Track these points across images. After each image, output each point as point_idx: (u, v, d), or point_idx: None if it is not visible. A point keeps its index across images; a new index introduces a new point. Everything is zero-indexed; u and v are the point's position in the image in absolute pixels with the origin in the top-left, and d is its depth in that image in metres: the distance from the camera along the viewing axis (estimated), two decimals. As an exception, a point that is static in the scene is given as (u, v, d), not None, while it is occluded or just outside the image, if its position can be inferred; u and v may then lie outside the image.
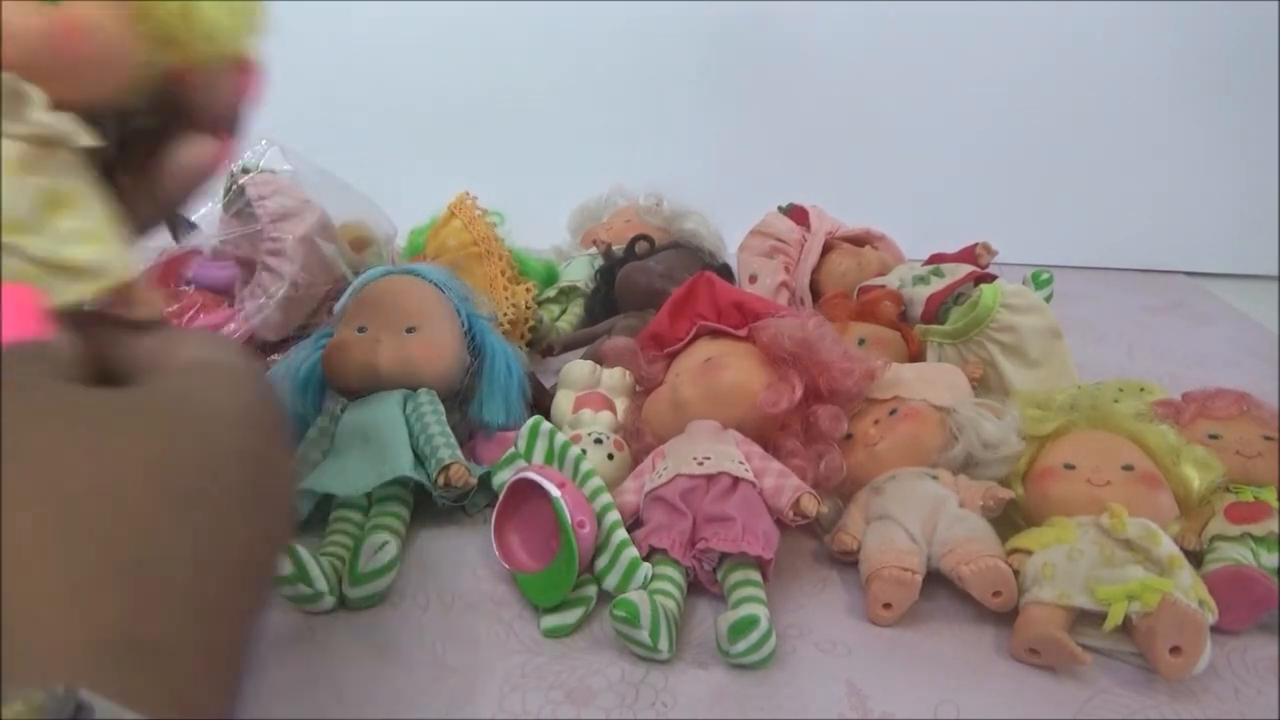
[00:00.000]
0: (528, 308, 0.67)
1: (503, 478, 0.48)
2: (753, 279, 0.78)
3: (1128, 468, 0.44)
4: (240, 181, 0.64)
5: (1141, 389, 0.58)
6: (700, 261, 0.76)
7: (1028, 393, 0.52)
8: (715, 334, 0.54)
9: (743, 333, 0.52)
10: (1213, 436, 0.49)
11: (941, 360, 0.60)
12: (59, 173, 0.27)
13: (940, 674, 0.40)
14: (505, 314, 0.64)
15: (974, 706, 0.38)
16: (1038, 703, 0.38)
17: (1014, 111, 1.03)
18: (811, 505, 0.45)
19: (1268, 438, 0.48)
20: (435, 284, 0.55)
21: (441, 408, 0.51)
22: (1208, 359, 0.76)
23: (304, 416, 0.53)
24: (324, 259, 0.64)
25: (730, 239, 0.84)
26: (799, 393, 0.49)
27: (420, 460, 0.49)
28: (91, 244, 0.27)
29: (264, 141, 0.67)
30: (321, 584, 0.43)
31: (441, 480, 0.47)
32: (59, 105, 0.27)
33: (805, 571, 0.47)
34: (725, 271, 0.78)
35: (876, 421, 0.50)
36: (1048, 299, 0.75)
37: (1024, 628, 0.40)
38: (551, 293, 0.79)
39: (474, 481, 0.48)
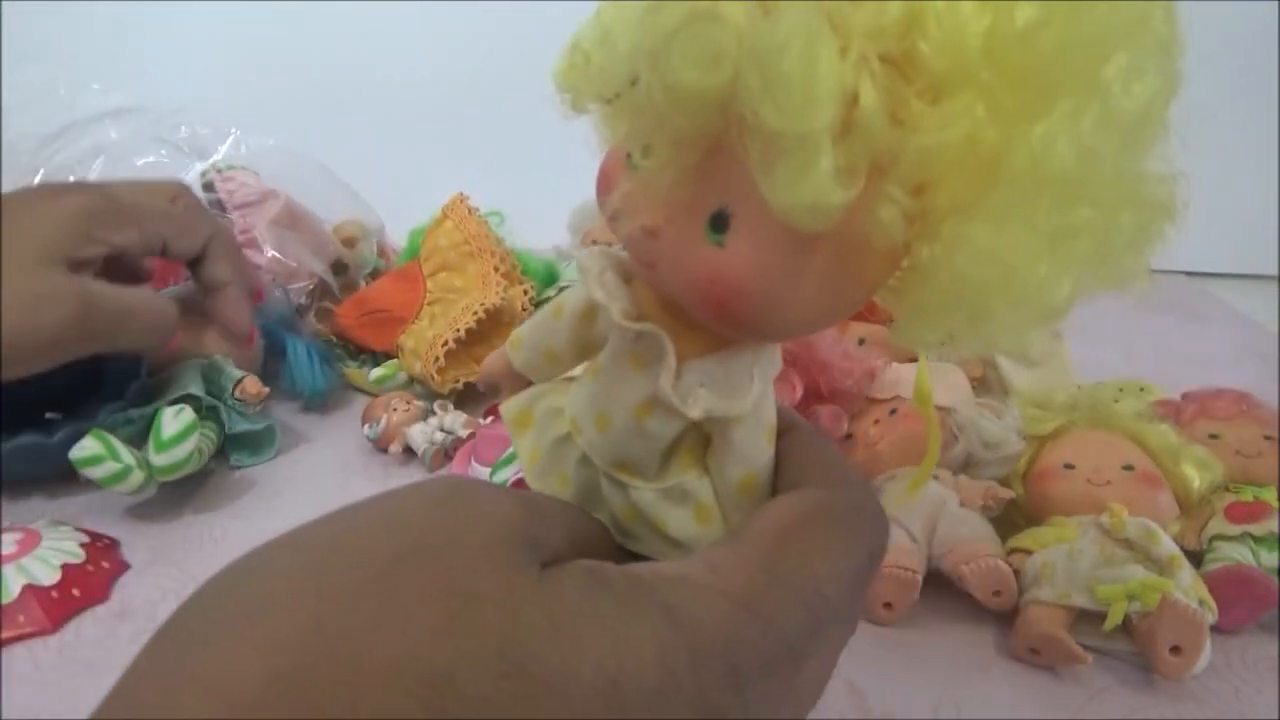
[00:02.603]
0: (524, 309, 0.67)
1: (503, 477, 0.48)
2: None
3: (1128, 468, 0.44)
4: (209, 178, 0.65)
5: (1141, 389, 0.58)
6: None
7: (1028, 393, 0.52)
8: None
9: (743, 332, 0.52)
10: (1213, 436, 0.49)
11: (941, 360, 0.60)
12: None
13: (940, 674, 0.40)
14: (482, 304, 0.64)
15: (974, 706, 0.38)
16: (1038, 703, 0.38)
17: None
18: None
19: (1268, 438, 0.48)
20: None
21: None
22: (1208, 359, 0.76)
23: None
24: (300, 245, 0.66)
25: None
26: (799, 392, 0.49)
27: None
28: (699, 519, 0.24)
29: (234, 130, 0.68)
30: (128, 457, 0.48)
31: (238, 393, 0.55)
32: None
33: (805, 571, 0.47)
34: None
35: (876, 421, 0.50)
36: (1048, 299, 0.75)
37: (1024, 627, 0.40)
38: (552, 292, 0.79)
39: (266, 390, 0.56)
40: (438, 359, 0.61)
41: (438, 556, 0.17)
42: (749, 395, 0.21)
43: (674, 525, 0.23)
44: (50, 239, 0.47)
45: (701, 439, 0.23)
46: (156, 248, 0.54)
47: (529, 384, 0.27)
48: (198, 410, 0.53)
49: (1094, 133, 0.16)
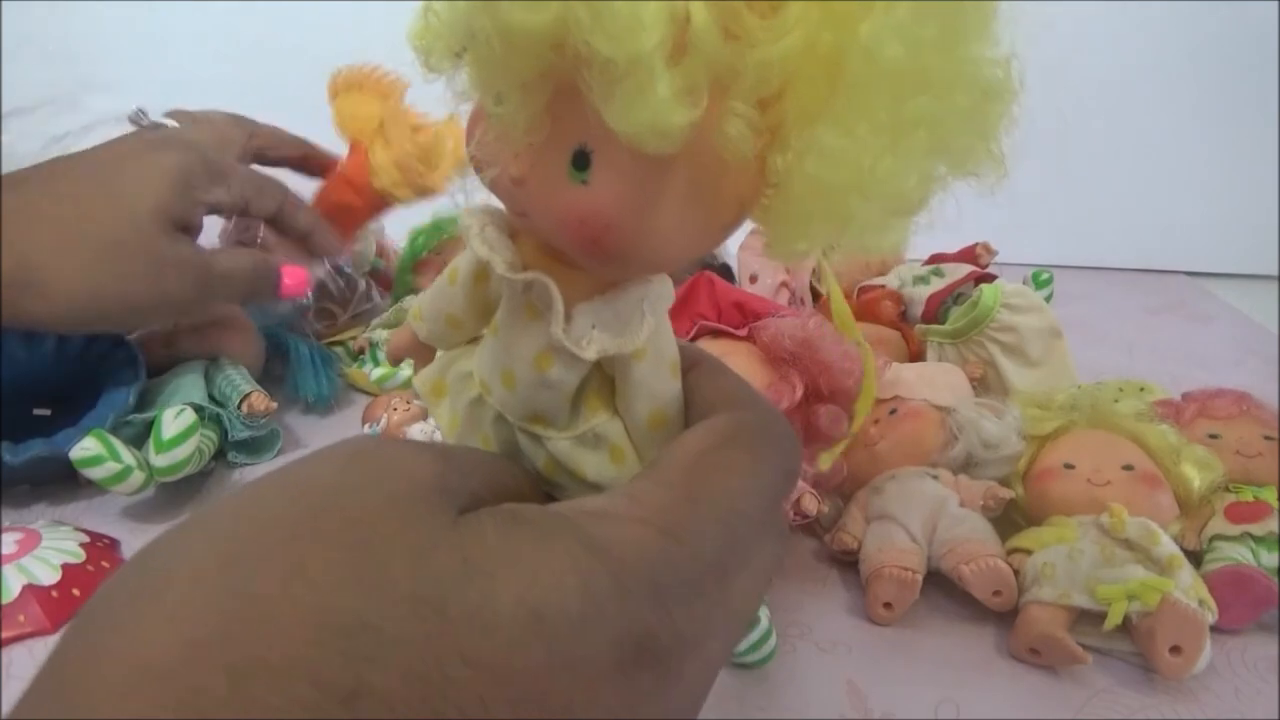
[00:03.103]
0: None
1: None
2: (753, 279, 0.78)
3: (1128, 467, 0.44)
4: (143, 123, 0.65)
5: (1141, 389, 0.58)
6: (700, 261, 0.76)
7: (1028, 393, 0.52)
8: (715, 334, 0.54)
9: (743, 333, 0.52)
10: (1213, 436, 0.49)
11: (941, 360, 0.60)
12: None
13: (940, 674, 0.40)
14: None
15: (974, 706, 0.38)
16: (1038, 703, 0.38)
17: (1014, 111, 1.03)
18: (812, 505, 0.45)
19: (1268, 438, 0.48)
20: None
21: (244, 370, 0.59)
22: (1208, 359, 0.76)
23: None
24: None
25: (730, 239, 0.84)
26: (799, 393, 0.48)
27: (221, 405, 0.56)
28: (614, 460, 0.25)
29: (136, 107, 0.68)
30: (128, 458, 0.48)
31: (245, 409, 0.54)
32: None
33: (805, 571, 0.47)
34: (725, 271, 0.78)
35: (877, 421, 0.50)
36: (1048, 299, 0.75)
37: (1024, 627, 0.40)
38: None
39: (274, 406, 0.55)
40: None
41: (343, 511, 0.17)
42: (641, 331, 0.22)
43: (592, 470, 0.24)
44: (162, 201, 0.48)
45: (607, 382, 0.24)
46: (241, 207, 0.55)
47: (435, 355, 0.28)
48: (200, 416, 0.53)
49: (916, 23, 0.17)
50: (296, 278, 0.56)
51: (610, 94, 0.16)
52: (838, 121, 0.17)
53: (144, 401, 0.55)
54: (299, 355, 0.64)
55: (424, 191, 0.67)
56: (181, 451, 0.50)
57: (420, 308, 0.27)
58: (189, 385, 0.56)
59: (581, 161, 0.19)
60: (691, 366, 0.24)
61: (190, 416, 0.51)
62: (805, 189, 0.18)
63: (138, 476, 0.49)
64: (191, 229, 0.51)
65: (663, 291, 0.23)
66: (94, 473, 0.47)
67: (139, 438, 0.52)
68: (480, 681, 0.16)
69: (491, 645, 0.16)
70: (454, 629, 0.16)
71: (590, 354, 0.22)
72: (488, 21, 0.17)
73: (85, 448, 0.47)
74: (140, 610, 0.16)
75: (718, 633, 0.20)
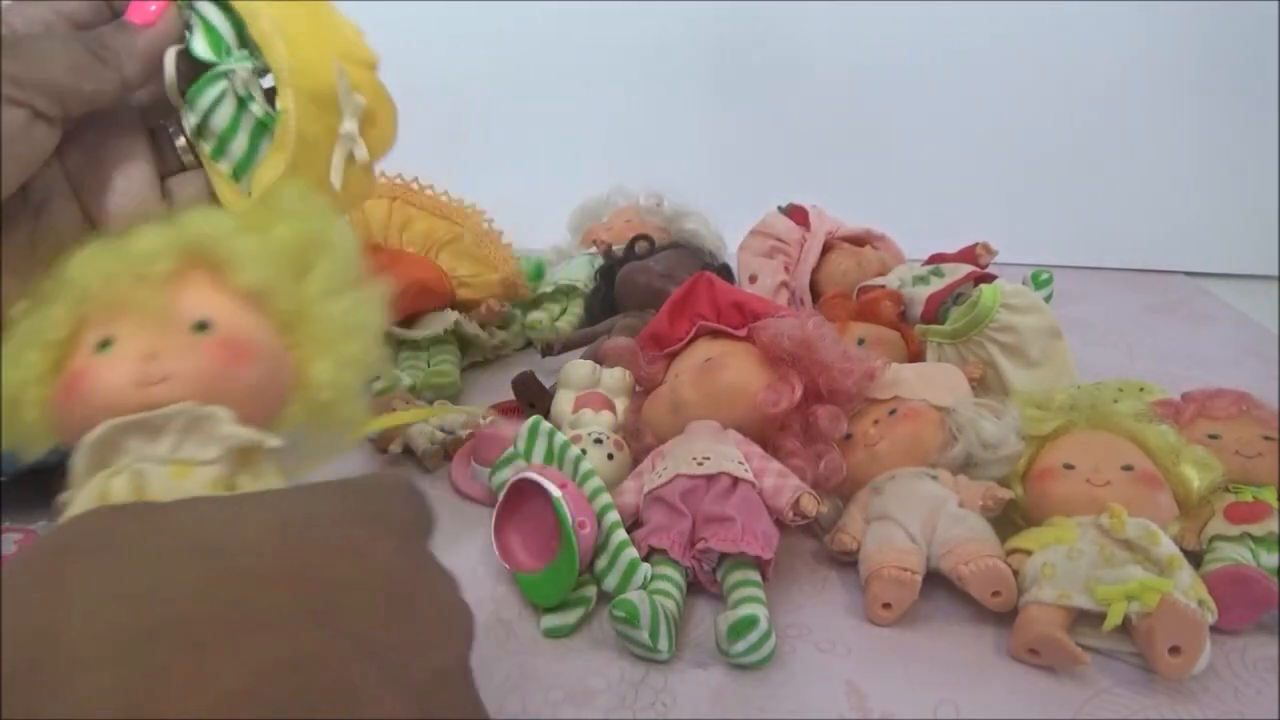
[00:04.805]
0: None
1: (503, 477, 0.48)
2: (753, 279, 0.78)
3: (1127, 468, 0.44)
4: None
5: (1141, 389, 0.58)
6: (700, 261, 0.76)
7: (1027, 393, 0.52)
8: (715, 334, 0.54)
9: (742, 333, 0.52)
10: (1212, 436, 0.49)
11: (941, 360, 0.60)
12: (259, 476, 0.29)
13: (940, 674, 0.40)
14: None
15: (974, 706, 0.38)
16: (1038, 703, 0.38)
17: (1014, 111, 1.03)
18: (811, 505, 0.45)
19: (1267, 438, 0.48)
20: None
21: None
22: (1208, 359, 0.76)
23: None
24: None
25: (730, 239, 0.84)
26: (798, 393, 0.49)
27: None
28: None
29: None
30: None
31: None
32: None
33: (805, 571, 0.47)
34: (725, 271, 0.78)
35: (876, 421, 0.50)
36: (1048, 299, 0.75)
37: (1024, 628, 0.40)
38: (548, 289, 0.79)
39: None
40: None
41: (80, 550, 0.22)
42: (274, 438, 0.29)
43: None
44: None
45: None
46: None
47: None
48: None
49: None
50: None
51: None
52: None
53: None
54: None
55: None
56: None
57: None
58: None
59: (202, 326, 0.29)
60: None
61: None
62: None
63: None
64: None
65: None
66: None
67: None
68: (243, 584, 0.20)
69: (248, 560, 0.21)
70: (212, 560, 0.21)
71: (270, 441, 0.29)
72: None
73: None
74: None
75: (415, 517, 0.27)
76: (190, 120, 0.31)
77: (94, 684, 0.18)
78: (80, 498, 0.27)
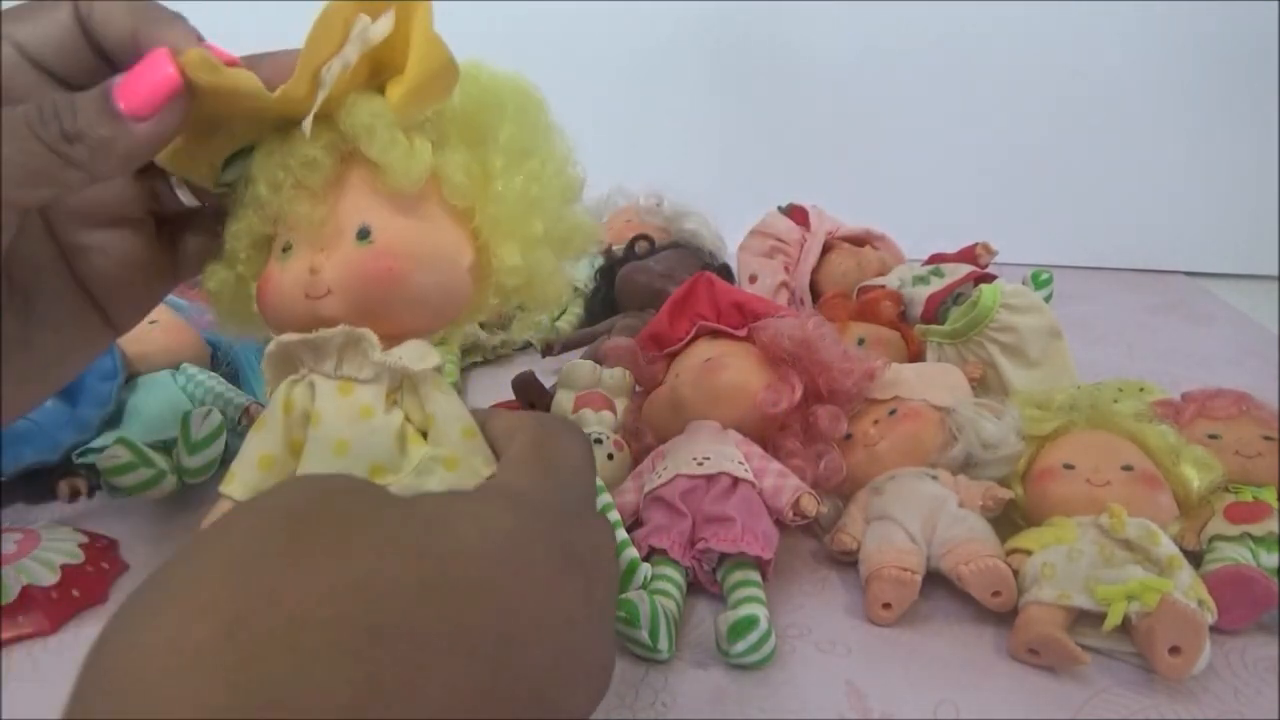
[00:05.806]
0: None
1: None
2: (753, 279, 0.78)
3: (1127, 468, 0.44)
4: None
5: (1141, 389, 0.58)
6: (700, 261, 0.76)
7: (1027, 393, 0.52)
8: (715, 334, 0.54)
9: (742, 333, 0.52)
10: (1212, 436, 0.49)
11: (941, 360, 0.60)
12: (408, 406, 0.30)
13: (940, 674, 0.40)
14: None
15: (974, 706, 0.38)
16: (1038, 703, 0.38)
17: (1014, 112, 1.03)
18: (811, 505, 0.45)
19: (1267, 438, 0.48)
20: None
21: (213, 374, 0.58)
22: (1208, 359, 0.76)
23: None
24: None
25: (730, 239, 0.84)
26: (798, 393, 0.49)
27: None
28: (449, 469, 0.29)
29: None
30: (160, 462, 0.48)
31: (245, 421, 0.54)
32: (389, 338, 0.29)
33: (805, 571, 0.47)
34: (725, 271, 0.78)
35: (876, 421, 0.50)
36: (1048, 299, 0.75)
37: (1023, 628, 0.40)
38: None
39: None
40: None
41: (326, 510, 0.21)
42: (433, 358, 0.29)
43: (438, 486, 0.29)
44: None
45: (414, 428, 0.30)
46: None
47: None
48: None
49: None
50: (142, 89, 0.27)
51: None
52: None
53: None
54: (250, 363, 0.63)
55: None
56: (213, 451, 0.50)
57: (231, 472, 0.30)
58: (165, 412, 0.54)
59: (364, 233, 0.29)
60: (484, 421, 0.31)
61: (218, 417, 0.50)
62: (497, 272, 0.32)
63: (171, 480, 0.49)
64: None
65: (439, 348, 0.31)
66: (124, 480, 0.47)
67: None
68: (458, 598, 0.21)
69: (467, 560, 0.21)
70: (438, 563, 0.21)
71: (407, 363, 0.28)
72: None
73: (115, 455, 0.47)
74: (170, 604, 0.19)
75: (605, 540, 0.28)
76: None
77: (326, 676, 0.17)
78: (272, 401, 0.30)
